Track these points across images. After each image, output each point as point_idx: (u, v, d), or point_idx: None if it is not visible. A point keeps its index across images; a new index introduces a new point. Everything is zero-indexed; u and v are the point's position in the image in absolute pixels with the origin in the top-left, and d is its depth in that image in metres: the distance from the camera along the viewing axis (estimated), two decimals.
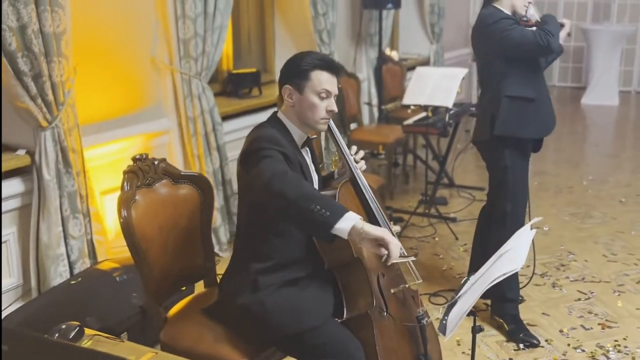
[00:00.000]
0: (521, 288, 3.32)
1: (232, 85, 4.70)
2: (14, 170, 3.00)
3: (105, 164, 3.51)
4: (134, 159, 2.15)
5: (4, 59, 2.76)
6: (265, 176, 1.85)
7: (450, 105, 4.20)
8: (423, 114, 4.48)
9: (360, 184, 2.20)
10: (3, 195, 2.94)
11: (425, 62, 7.27)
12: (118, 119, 3.55)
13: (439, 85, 4.16)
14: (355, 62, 5.86)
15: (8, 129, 3.05)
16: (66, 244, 3.09)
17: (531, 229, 2.12)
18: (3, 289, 2.99)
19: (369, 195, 2.20)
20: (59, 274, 3.07)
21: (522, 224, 3.04)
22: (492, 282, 1.91)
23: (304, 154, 2.17)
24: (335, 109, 2.10)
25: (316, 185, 2.21)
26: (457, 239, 4.18)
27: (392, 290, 2.12)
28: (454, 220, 4.47)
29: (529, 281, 3.44)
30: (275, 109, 2.25)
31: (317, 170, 2.27)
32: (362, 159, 2.30)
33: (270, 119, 2.16)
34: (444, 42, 7.66)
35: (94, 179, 3.36)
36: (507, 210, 3.07)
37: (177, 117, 3.90)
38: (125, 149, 3.63)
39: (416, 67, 4.60)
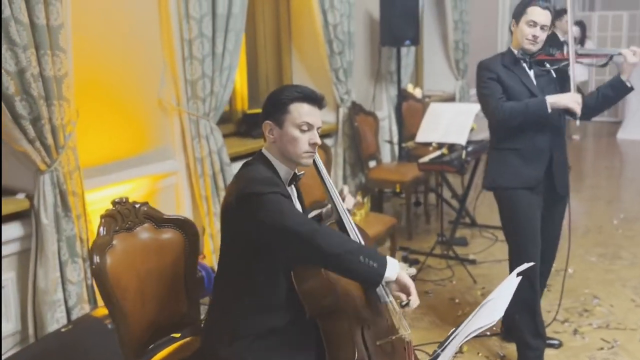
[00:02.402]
0: None
1: (245, 126, 4.66)
2: (13, 214, 2.98)
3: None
4: (114, 203, 2.08)
5: (2, 103, 2.76)
6: (296, 228, 1.82)
7: (463, 142, 4.07)
8: (439, 152, 4.35)
9: (347, 227, 2.09)
10: (2, 240, 2.91)
11: (451, 99, 7.16)
12: (123, 160, 3.53)
13: (453, 121, 4.05)
14: (374, 99, 5.78)
15: (8, 173, 3.05)
16: (64, 290, 3.03)
17: (518, 275, 1.96)
18: (2, 335, 2.94)
19: (356, 238, 2.08)
20: (55, 320, 3.01)
21: (533, 267, 2.87)
22: (466, 337, 1.76)
23: (290, 191, 2.08)
24: (319, 141, 2.03)
25: None
26: (475, 282, 3.99)
27: (378, 342, 1.98)
28: (473, 262, 4.29)
29: (548, 324, 3.23)
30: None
31: (303, 209, 2.19)
32: (352, 200, 2.23)
33: (257, 156, 2.10)
34: (470, 78, 7.53)
35: (97, 222, 3.31)
36: (512, 252, 3.04)
37: (184, 158, 3.86)
38: (131, 191, 3.59)
39: (430, 104, 4.49)
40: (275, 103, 2.03)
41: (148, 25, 3.61)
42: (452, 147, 4.26)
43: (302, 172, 2.14)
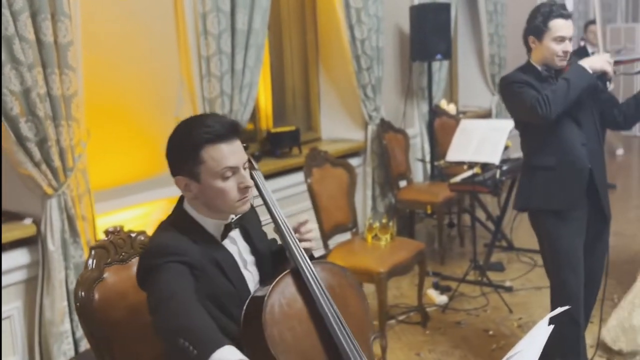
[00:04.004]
0: None
1: (270, 145, 4.50)
2: (19, 240, 2.86)
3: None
4: (106, 232, 1.92)
5: (4, 125, 2.64)
6: (150, 304, 1.53)
7: (496, 161, 3.81)
8: (474, 171, 4.10)
9: (305, 278, 1.70)
10: (7, 267, 2.78)
11: (487, 115, 6.90)
12: (138, 182, 3.39)
13: (485, 139, 3.80)
14: (404, 116, 5.55)
15: (15, 197, 2.93)
16: (71, 320, 2.89)
17: (550, 324, 1.69)
18: None
19: (318, 293, 1.70)
20: (62, 353, 2.87)
21: (576, 301, 2.61)
22: None
23: (227, 244, 1.75)
24: (249, 182, 1.67)
25: (255, 279, 1.80)
26: (511, 311, 3.71)
27: None
28: (509, 289, 4.01)
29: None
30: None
31: (257, 250, 1.83)
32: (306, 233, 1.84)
33: (175, 213, 1.77)
34: None
35: None
36: (552, 285, 2.78)
37: None
38: (147, 214, 3.45)
39: (461, 120, 4.25)
40: (182, 153, 1.65)
41: (165, 42, 3.48)
42: (485, 166, 4.00)
43: (248, 209, 1.74)
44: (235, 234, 1.78)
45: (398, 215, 5.20)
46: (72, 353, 2.85)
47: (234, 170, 1.64)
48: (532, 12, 2.71)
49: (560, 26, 2.61)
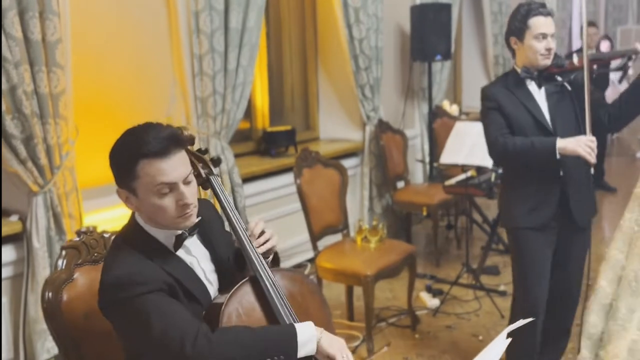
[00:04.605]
0: None
1: (265, 144, 4.49)
2: (6, 237, 2.86)
3: (114, 228, 3.32)
4: (78, 232, 1.90)
5: None
6: (171, 347, 1.47)
7: (489, 164, 3.76)
8: (468, 174, 4.07)
9: (263, 285, 1.67)
10: None
11: None
12: None
13: (478, 142, 3.74)
14: (404, 116, 5.52)
15: (2, 194, 2.93)
16: None
17: (508, 337, 1.65)
18: None
19: (277, 301, 1.67)
20: (46, 350, 2.87)
21: (537, 312, 2.61)
22: None
23: (183, 255, 1.68)
24: (189, 199, 1.56)
25: (214, 287, 1.74)
26: (502, 316, 3.67)
27: None
28: (503, 294, 3.96)
29: None
30: None
31: (217, 256, 1.77)
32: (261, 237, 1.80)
33: (128, 225, 1.69)
34: None
35: None
36: (517, 294, 2.75)
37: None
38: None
39: (456, 123, 4.20)
40: (119, 166, 1.57)
41: (157, 40, 3.48)
42: (481, 169, 3.97)
43: (194, 222, 1.65)
44: (192, 241, 1.72)
45: (395, 216, 5.17)
46: (55, 351, 2.84)
47: (171, 186, 1.55)
48: (511, 13, 2.64)
49: (540, 23, 2.52)
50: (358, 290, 3.56)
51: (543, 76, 2.58)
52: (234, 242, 1.89)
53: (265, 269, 1.71)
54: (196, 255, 1.72)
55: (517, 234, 2.67)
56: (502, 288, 4.03)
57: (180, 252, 1.68)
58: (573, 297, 2.78)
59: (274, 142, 4.47)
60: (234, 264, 1.84)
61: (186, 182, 1.57)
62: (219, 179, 1.88)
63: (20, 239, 2.89)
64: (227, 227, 1.85)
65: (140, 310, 1.50)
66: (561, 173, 2.58)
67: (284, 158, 4.38)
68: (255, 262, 1.71)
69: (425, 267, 4.57)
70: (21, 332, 2.89)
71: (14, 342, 2.92)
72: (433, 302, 3.88)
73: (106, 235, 1.97)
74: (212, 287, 1.73)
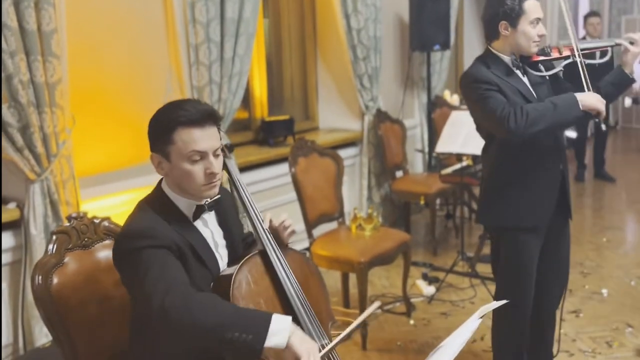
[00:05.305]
0: None
1: (263, 133, 4.52)
2: (4, 224, 2.91)
3: (112, 216, 3.37)
4: (68, 218, 1.94)
5: None
6: (153, 297, 1.52)
7: None
8: (464, 163, 4.09)
9: (272, 259, 1.79)
10: None
11: None
12: (125, 169, 3.42)
13: (473, 130, 3.74)
14: (403, 106, 5.53)
15: (2, 181, 2.98)
16: None
17: (480, 317, 1.70)
18: None
19: (284, 273, 1.79)
20: (44, 335, 2.92)
21: (526, 309, 2.58)
22: None
23: (200, 226, 1.80)
24: (216, 169, 1.70)
25: (224, 261, 1.85)
26: None
27: None
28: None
29: (572, 354, 2.93)
30: None
31: (230, 235, 1.89)
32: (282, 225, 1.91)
33: (153, 192, 1.81)
34: None
35: None
36: (504, 294, 2.45)
37: None
38: (132, 201, 3.46)
39: (452, 112, 4.22)
40: (157, 132, 1.71)
41: (154, 30, 3.50)
42: (477, 157, 3.98)
43: (215, 197, 1.78)
44: (209, 217, 1.83)
45: (393, 206, 5.20)
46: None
47: (202, 155, 1.68)
48: None
49: (535, 7, 2.40)
50: (353, 278, 3.59)
51: (527, 63, 2.48)
52: (245, 236, 2.03)
53: (273, 245, 1.82)
54: (212, 229, 1.83)
55: (513, 237, 2.51)
56: None
57: (197, 223, 1.79)
58: (561, 283, 2.74)
59: (272, 132, 4.50)
60: (243, 247, 1.96)
61: (215, 155, 1.71)
62: (233, 162, 2.01)
63: (18, 226, 2.94)
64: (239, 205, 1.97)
65: (143, 261, 1.60)
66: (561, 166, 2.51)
67: (282, 147, 4.41)
68: (265, 238, 1.83)
69: (423, 256, 4.60)
70: (20, 317, 2.94)
71: (13, 327, 2.98)
72: (429, 289, 3.91)
73: (96, 221, 2.01)
74: (222, 261, 1.83)
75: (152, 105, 3.48)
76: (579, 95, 2.34)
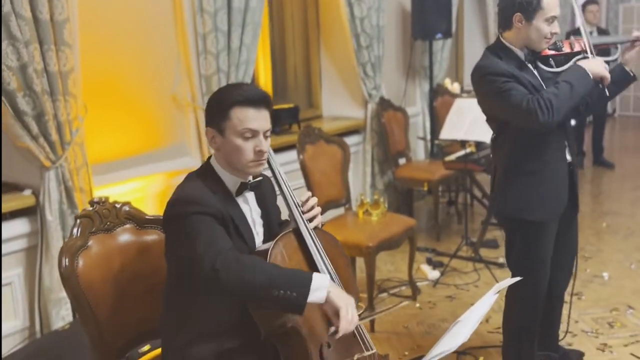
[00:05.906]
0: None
1: None
2: (20, 210, 2.97)
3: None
4: (91, 203, 2.01)
5: (3, 99, 2.74)
6: (205, 259, 1.66)
7: (487, 140, 3.84)
8: (468, 150, 4.16)
9: (305, 237, 1.91)
10: (8, 236, 2.90)
11: None
12: (136, 157, 3.48)
13: (478, 118, 3.80)
14: (405, 94, 5.59)
15: (16, 169, 3.04)
16: None
17: (496, 293, 1.77)
18: (9, 332, 2.94)
19: (316, 250, 1.90)
20: (61, 318, 2.99)
21: (540, 298, 2.64)
22: None
23: (241, 202, 1.92)
24: (265, 148, 1.84)
25: (260, 238, 1.96)
26: None
27: None
28: (501, 266, 4.07)
29: (563, 336, 2.99)
30: None
31: (268, 216, 2.01)
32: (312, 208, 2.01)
33: (202, 166, 1.96)
34: None
35: None
36: (525, 280, 2.41)
37: (200, 155, 3.79)
38: (144, 188, 3.55)
39: (456, 99, 4.28)
40: (215, 108, 1.86)
41: (162, 19, 3.55)
42: (480, 144, 4.05)
43: (257, 178, 1.95)
44: (250, 195, 1.95)
45: (397, 192, 5.27)
46: (70, 318, 2.97)
47: (254, 133, 1.82)
48: None
49: (554, 4, 2.38)
50: (360, 262, 3.67)
51: (538, 58, 2.47)
52: (281, 222, 2.13)
53: (306, 224, 1.94)
54: (251, 207, 1.95)
55: (537, 229, 2.51)
56: (500, 260, 4.14)
57: (239, 199, 1.92)
58: (569, 268, 2.80)
59: (278, 120, 4.54)
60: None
61: (265, 136, 1.86)
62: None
63: (33, 212, 3.00)
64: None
65: (193, 226, 1.73)
66: (569, 158, 2.54)
67: (287, 135, 4.47)
68: (299, 217, 1.94)
69: (426, 242, 4.68)
70: (37, 301, 3.01)
71: (29, 311, 3.04)
72: (433, 274, 3.99)
73: (117, 206, 2.07)
74: (257, 238, 1.94)
75: (160, 93, 3.59)
76: (585, 65, 2.37)
